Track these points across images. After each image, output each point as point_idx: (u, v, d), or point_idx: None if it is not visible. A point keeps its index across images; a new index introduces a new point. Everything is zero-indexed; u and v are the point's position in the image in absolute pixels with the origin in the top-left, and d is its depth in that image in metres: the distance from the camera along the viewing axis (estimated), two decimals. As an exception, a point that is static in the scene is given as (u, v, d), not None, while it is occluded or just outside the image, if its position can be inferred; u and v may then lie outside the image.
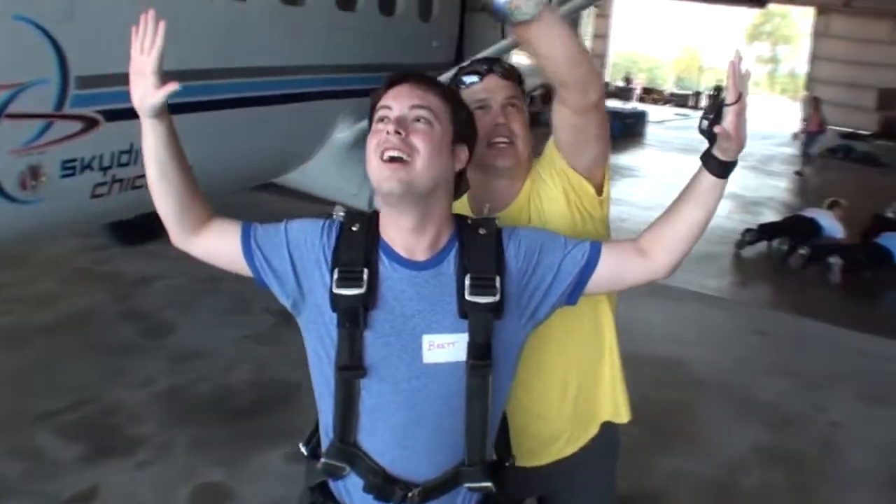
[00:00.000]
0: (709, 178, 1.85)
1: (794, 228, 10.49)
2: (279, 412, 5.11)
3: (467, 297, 1.84)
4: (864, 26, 34.23)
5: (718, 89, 42.89)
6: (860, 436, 5.54)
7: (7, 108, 3.70)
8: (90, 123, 4.16)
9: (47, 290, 7.00)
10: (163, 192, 1.89)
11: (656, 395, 5.80)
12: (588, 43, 17.03)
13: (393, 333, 1.85)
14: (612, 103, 34.24)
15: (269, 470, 4.48)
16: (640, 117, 26.45)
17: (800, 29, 62.18)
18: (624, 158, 19.74)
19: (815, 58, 37.98)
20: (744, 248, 10.46)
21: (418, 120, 1.83)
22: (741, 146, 1.80)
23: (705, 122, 1.79)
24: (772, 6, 38.20)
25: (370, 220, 1.92)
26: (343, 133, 6.67)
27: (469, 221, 1.95)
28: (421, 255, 1.88)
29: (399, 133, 1.80)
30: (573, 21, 13.36)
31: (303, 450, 2.09)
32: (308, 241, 1.90)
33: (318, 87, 6.29)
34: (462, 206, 2.26)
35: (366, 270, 1.84)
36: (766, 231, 10.61)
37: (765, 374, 6.46)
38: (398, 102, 1.84)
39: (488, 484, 1.96)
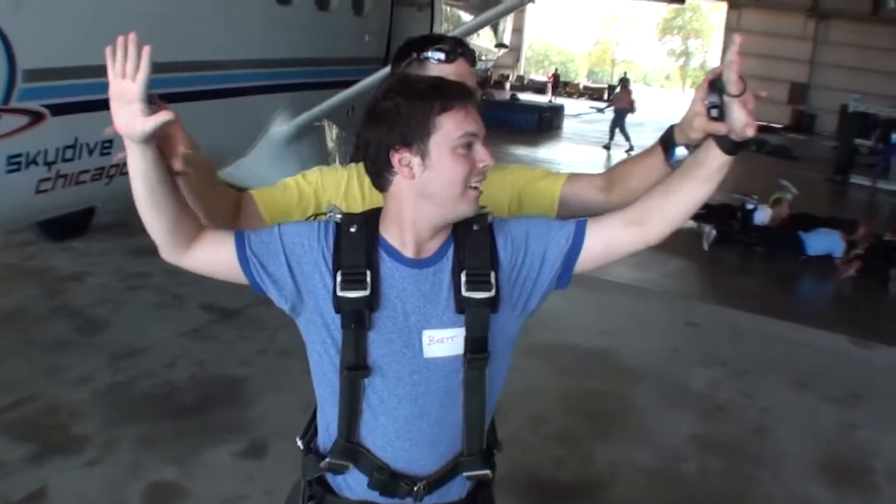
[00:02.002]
0: (721, 157, 1.87)
1: (724, 215, 11.09)
2: (224, 409, 5.10)
3: (464, 293, 1.88)
4: (776, 21, 35.23)
5: (625, 80, 43.52)
6: (788, 421, 5.76)
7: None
8: (37, 117, 4.10)
9: (-24, 287, 6.83)
10: (153, 211, 1.82)
11: (592, 386, 5.96)
12: (507, 38, 17.20)
13: (395, 330, 1.89)
14: (531, 97, 34.79)
15: (220, 467, 4.46)
16: (557, 111, 27.43)
17: (710, 23, 64.02)
18: (542, 152, 20.14)
19: (727, 52, 38.94)
20: None
21: None
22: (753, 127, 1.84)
23: (715, 111, 1.88)
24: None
25: (367, 220, 1.94)
26: (280, 127, 6.63)
27: None
28: (426, 253, 1.91)
29: None
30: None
31: (299, 443, 2.11)
32: (305, 244, 1.90)
33: (254, 81, 6.25)
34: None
35: (369, 272, 1.87)
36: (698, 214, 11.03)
37: (696, 364, 6.68)
38: (479, 129, 1.87)
39: (486, 471, 2.02)
